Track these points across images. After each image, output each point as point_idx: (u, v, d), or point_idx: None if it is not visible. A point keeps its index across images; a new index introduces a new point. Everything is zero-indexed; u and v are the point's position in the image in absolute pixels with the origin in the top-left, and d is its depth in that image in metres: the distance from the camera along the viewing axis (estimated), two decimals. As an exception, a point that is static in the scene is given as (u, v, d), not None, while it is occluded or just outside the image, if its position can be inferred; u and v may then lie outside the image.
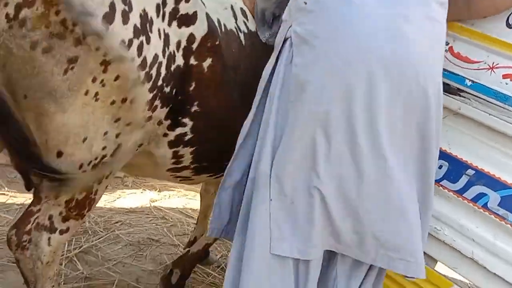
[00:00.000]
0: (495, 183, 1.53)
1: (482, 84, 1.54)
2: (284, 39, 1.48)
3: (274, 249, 1.43)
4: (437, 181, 1.62)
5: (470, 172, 1.58)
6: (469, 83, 1.57)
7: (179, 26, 1.50)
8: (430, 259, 1.67)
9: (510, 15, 1.50)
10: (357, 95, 1.35)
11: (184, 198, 3.55)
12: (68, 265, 2.40)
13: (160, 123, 1.56)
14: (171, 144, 1.64)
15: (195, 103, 1.60)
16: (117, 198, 3.27)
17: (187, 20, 1.51)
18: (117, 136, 1.46)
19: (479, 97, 1.55)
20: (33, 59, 1.22)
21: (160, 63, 1.43)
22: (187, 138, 1.65)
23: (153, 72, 1.42)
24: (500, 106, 1.51)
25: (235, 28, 1.75)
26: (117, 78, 1.34)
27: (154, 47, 1.40)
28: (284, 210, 1.43)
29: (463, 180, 1.59)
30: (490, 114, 1.53)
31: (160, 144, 1.63)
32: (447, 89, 1.57)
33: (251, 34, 1.81)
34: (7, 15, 1.18)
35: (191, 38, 1.53)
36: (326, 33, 1.39)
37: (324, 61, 1.37)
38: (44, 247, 1.52)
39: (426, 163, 1.45)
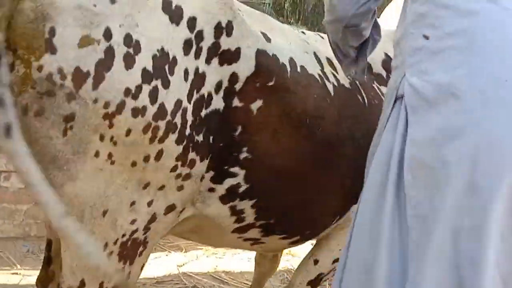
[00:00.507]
0: None
1: None
2: (395, 96, 1.09)
3: None
4: None
5: None
6: None
7: (221, 63, 1.26)
8: None
9: None
10: None
11: (213, 258, 3.17)
12: None
13: (202, 178, 1.31)
14: (224, 199, 1.38)
15: (244, 149, 1.33)
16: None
17: (230, 56, 1.28)
18: (149, 204, 1.22)
19: None
20: (28, 125, 1.06)
21: (185, 110, 1.20)
22: (242, 189, 1.38)
23: (177, 120, 1.18)
24: None
25: (320, 75, 1.50)
26: (128, 132, 1.12)
27: (176, 91, 1.17)
28: None
29: None
30: None
31: (208, 200, 1.36)
32: None
33: (343, 87, 1.56)
34: None
35: (233, 77, 1.29)
36: (477, 87, 0.92)
37: (477, 141, 0.93)
38: None
39: None
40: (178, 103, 1.18)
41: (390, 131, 1.09)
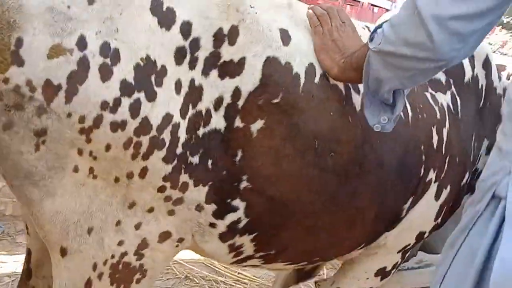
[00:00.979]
0: None
1: None
2: (493, 192, 0.94)
3: None
4: None
5: None
6: None
7: (221, 76, 1.12)
8: None
9: None
10: None
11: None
12: None
13: (200, 208, 1.18)
14: (223, 237, 1.25)
15: (244, 177, 1.18)
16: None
17: (232, 68, 1.12)
18: (136, 227, 1.13)
19: None
20: None
21: (177, 125, 1.08)
22: (242, 224, 1.23)
23: (165, 136, 1.07)
24: None
25: (346, 84, 1.28)
26: (108, 147, 1.04)
27: (165, 104, 1.06)
28: None
29: None
30: None
31: (207, 236, 1.24)
32: None
33: None
34: None
35: (236, 92, 1.13)
36: None
37: None
38: None
39: None
40: (167, 117, 1.06)
41: (478, 235, 0.96)
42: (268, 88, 1.15)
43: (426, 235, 1.57)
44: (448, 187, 1.50)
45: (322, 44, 1.22)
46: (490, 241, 0.94)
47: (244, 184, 1.18)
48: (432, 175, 1.44)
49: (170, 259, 1.26)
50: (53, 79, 0.96)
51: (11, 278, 1.91)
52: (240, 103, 1.13)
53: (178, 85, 1.07)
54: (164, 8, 1.05)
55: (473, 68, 1.58)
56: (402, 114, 1.30)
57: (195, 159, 1.12)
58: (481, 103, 1.60)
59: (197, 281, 2.64)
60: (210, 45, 1.09)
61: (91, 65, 0.98)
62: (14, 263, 2.34)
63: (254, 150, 1.17)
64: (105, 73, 0.99)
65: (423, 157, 1.40)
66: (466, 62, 1.59)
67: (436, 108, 1.45)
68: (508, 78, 2.33)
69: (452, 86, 1.52)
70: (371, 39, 1.07)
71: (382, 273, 1.57)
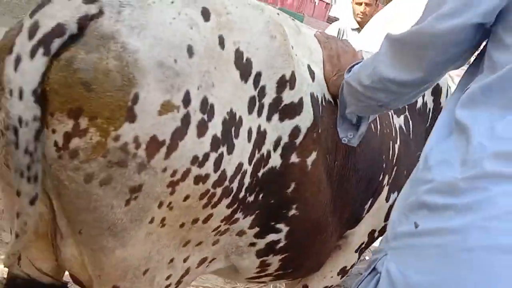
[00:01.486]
0: None
1: None
2: (370, 268, 1.07)
3: None
4: None
5: None
6: None
7: (281, 119, 1.18)
8: None
9: None
10: None
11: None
12: None
13: (242, 233, 1.26)
14: (260, 253, 1.34)
15: (294, 206, 1.27)
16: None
17: (292, 110, 1.19)
18: (185, 260, 1.18)
19: None
20: (88, 193, 0.96)
21: (244, 172, 1.13)
22: (280, 245, 1.34)
23: (234, 185, 1.12)
24: None
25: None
26: (186, 198, 1.06)
27: (239, 155, 1.10)
28: None
29: None
30: None
31: (245, 255, 1.32)
32: None
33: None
34: (55, 143, 0.92)
35: (294, 131, 1.20)
36: None
37: None
38: None
39: None
40: (239, 167, 1.11)
41: None
42: (317, 121, 1.25)
43: (376, 234, 1.78)
44: (396, 193, 1.73)
45: (328, 56, 1.38)
46: None
47: (292, 211, 1.28)
48: (385, 180, 1.67)
49: (195, 278, 1.32)
50: (159, 135, 0.95)
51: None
52: (299, 140, 1.21)
53: (249, 133, 1.11)
54: (244, 60, 1.09)
55: (423, 96, 1.82)
56: (372, 126, 1.52)
57: (251, 198, 1.19)
58: (427, 124, 1.86)
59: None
60: (273, 91, 1.15)
61: (192, 121, 0.99)
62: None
63: (306, 182, 1.26)
64: (202, 129, 1.01)
65: (384, 164, 1.61)
66: None
67: (393, 127, 1.68)
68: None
69: (407, 111, 1.75)
70: (348, 70, 1.27)
71: (343, 272, 1.77)
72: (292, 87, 1.18)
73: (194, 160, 1.02)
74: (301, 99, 1.20)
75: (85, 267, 1.10)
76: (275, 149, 1.18)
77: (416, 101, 1.78)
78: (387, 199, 1.67)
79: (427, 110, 1.82)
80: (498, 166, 0.88)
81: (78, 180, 0.94)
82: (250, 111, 1.11)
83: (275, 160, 1.19)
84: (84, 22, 0.91)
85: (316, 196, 1.31)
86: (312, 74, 1.30)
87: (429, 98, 1.82)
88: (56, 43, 0.89)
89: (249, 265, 1.37)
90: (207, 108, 1.01)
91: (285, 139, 1.20)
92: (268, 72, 1.14)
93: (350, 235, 1.66)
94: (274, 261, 1.40)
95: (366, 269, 1.11)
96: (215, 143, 1.04)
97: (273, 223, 1.28)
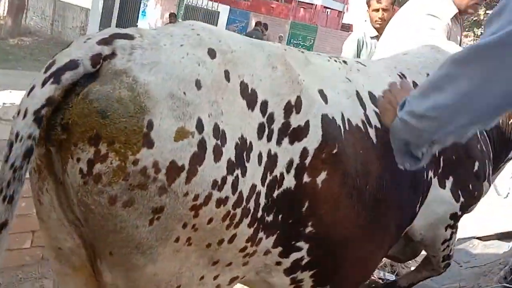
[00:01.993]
0: None
1: None
2: None
3: None
4: None
5: None
6: None
7: (291, 142, 1.27)
8: None
9: None
10: None
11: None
12: None
13: (267, 252, 1.34)
14: (288, 272, 1.42)
15: (309, 223, 1.35)
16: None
17: (300, 133, 1.28)
18: (215, 278, 1.26)
19: None
20: (113, 215, 1.06)
21: (259, 193, 1.22)
22: (304, 262, 1.42)
23: (251, 205, 1.20)
24: None
25: (363, 122, 1.48)
26: (210, 221, 1.14)
27: (251, 177, 1.19)
28: None
29: None
30: None
31: (273, 273, 1.41)
32: None
33: (384, 129, 1.43)
34: (80, 170, 1.03)
35: (304, 153, 1.29)
36: None
37: None
38: None
39: None
40: (253, 188, 1.19)
41: None
42: (328, 140, 1.33)
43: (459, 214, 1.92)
44: (450, 178, 1.82)
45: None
46: None
47: (309, 229, 1.35)
48: (430, 174, 1.74)
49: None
50: (178, 160, 1.04)
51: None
52: (308, 160, 1.29)
53: (259, 157, 1.21)
54: (249, 91, 1.19)
55: None
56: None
57: (270, 218, 1.27)
58: None
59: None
60: (281, 117, 1.25)
61: (207, 146, 1.08)
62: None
63: (319, 200, 1.34)
64: (217, 154, 1.10)
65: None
66: None
67: None
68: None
69: None
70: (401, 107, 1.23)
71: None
72: (298, 111, 1.27)
73: (214, 184, 1.10)
74: (307, 122, 1.29)
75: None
76: (288, 171, 1.26)
77: None
78: (443, 187, 1.79)
79: None
80: None
81: (103, 203, 1.03)
82: (259, 137, 1.20)
83: (290, 181, 1.27)
84: (97, 60, 1.03)
85: (334, 213, 1.37)
86: (324, 97, 1.38)
87: None
88: (68, 75, 1.00)
89: (281, 283, 1.44)
90: (219, 134, 1.11)
91: (296, 160, 1.28)
92: (275, 100, 1.24)
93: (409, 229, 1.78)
94: (305, 277, 1.46)
95: None
96: (231, 167, 1.13)
97: (293, 242, 1.36)
